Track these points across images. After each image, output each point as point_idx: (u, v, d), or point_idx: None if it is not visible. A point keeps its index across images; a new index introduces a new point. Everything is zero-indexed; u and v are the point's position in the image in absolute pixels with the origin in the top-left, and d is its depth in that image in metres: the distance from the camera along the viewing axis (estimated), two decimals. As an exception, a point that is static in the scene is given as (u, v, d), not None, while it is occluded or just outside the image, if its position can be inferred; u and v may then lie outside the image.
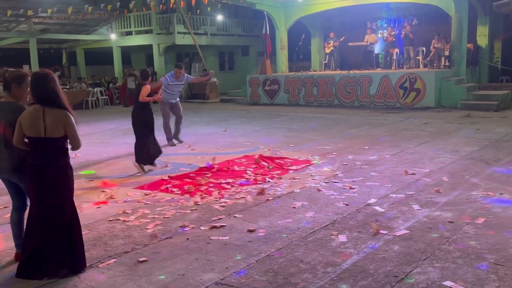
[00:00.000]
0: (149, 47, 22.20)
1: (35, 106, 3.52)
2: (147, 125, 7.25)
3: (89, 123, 13.55)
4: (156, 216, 4.95)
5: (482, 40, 17.24)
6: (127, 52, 24.29)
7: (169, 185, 6.24)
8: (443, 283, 3.28)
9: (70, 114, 3.55)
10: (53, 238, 3.53)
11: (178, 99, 9.79)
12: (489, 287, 3.21)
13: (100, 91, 19.35)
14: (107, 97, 19.73)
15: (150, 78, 7.61)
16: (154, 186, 6.27)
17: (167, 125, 9.54)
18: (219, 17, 22.78)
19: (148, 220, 4.83)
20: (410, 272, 3.47)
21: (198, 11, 21.37)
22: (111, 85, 20.77)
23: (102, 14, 19.75)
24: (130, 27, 22.49)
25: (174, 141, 9.57)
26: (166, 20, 21.42)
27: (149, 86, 7.35)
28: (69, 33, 21.52)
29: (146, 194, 5.87)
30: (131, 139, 10.31)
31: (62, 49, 24.66)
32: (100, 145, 9.78)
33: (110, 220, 4.86)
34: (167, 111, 9.55)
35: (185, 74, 9.73)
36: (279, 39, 19.54)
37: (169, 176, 6.70)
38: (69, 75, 23.93)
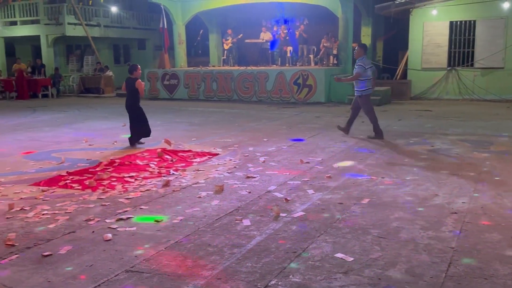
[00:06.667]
0: (36, 38, 20.84)
1: None
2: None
3: (-30, 119, 12.46)
4: (57, 212, 4.83)
5: (366, 40, 18.74)
6: (10, 43, 22.53)
7: (67, 181, 6.08)
8: (335, 255, 3.70)
9: None
10: None
11: None
12: (374, 256, 3.69)
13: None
14: (-11, 91, 18.18)
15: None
16: (52, 182, 6.06)
17: None
18: (113, 9, 22.08)
19: (49, 216, 4.70)
20: (307, 247, 3.85)
21: (90, 1, 20.52)
22: (-7, 78, 19.14)
23: (-19, 0, 18.11)
24: (14, 17, 20.90)
25: None
26: (55, 10, 20.28)
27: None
28: None
29: (43, 191, 5.66)
30: (21, 135, 9.79)
31: None
32: (-15, 142, 9.10)
33: (7, 218, 4.65)
34: None
35: None
36: (177, 34, 19.46)
37: (67, 172, 6.50)
38: None
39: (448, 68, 15.79)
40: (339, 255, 3.69)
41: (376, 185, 5.65)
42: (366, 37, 18.71)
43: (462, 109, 13.20)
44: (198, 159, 7.26)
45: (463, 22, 15.51)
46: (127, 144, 8.47)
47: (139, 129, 8.43)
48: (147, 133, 8.51)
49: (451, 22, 15.65)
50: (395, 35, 18.86)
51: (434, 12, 15.64)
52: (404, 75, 16.97)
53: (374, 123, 8.69)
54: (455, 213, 4.65)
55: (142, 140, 8.53)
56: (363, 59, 8.61)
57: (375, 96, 14.56)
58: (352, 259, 3.61)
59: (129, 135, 8.53)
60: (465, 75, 15.58)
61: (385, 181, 5.83)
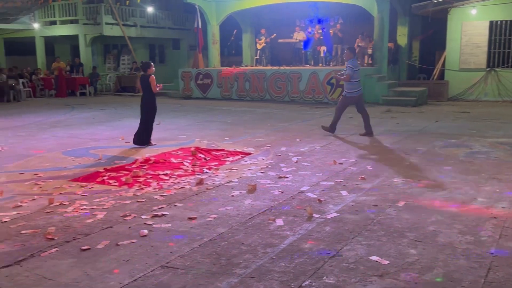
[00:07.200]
0: (75, 37, 21.42)
1: None
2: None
3: (12, 116, 12.93)
4: (95, 207, 4.95)
5: (402, 39, 18.42)
6: (50, 42, 23.23)
7: (105, 177, 6.22)
8: (369, 257, 3.65)
9: None
10: None
11: None
12: (410, 259, 3.62)
13: (23, 83, 18.39)
14: (30, 89, 18.81)
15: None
16: (90, 178, 6.22)
17: None
18: (149, 9, 22.44)
19: (87, 211, 4.83)
20: (341, 249, 3.82)
21: (127, 1, 20.93)
22: (33, 76, 19.78)
23: (24, 2, 18.75)
24: (54, 17, 21.56)
25: None
26: (93, 10, 20.78)
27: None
28: (-13, 21, 20.23)
29: (82, 186, 5.82)
30: (59, 132, 10.10)
31: (-21, 38, 23.08)
32: (26, 138, 9.42)
33: (47, 212, 4.81)
34: None
35: None
36: (211, 34, 19.63)
37: (104, 168, 6.66)
38: (-14, 65, 22.45)
39: (487, 69, 15.34)
40: (374, 257, 3.64)
41: (412, 188, 5.55)
42: (402, 36, 18.37)
43: (501, 111, 12.79)
44: (231, 158, 7.30)
45: (503, 22, 15.03)
46: (161, 142, 8.61)
47: (143, 134, 8.34)
48: (146, 141, 8.36)
49: (491, 22, 15.19)
50: (432, 35, 18.45)
51: (473, 11, 15.22)
52: (441, 75, 16.59)
53: (335, 120, 9.24)
54: (495, 218, 4.51)
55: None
56: (353, 61, 8.98)
57: (411, 97, 14.36)
58: (387, 262, 3.56)
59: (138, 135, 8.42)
60: (505, 76, 15.09)
61: (421, 184, 5.72)
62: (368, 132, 9.10)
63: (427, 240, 4.00)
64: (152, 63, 8.55)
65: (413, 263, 3.54)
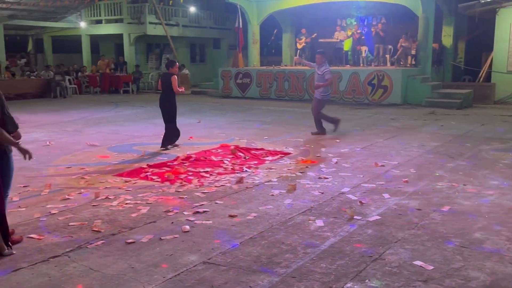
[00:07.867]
0: (119, 36, 21.95)
1: None
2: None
3: (59, 112, 13.39)
4: (138, 202, 5.07)
5: (447, 40, 17.91)
6: (95, 41, 23.92)
7: (148, 173, 6.36)
8: (413, 262, 3.58)
9: None
10: None
11: None
12: (455, 266, 3.52)
13: (69, 80, 19.04)
14: (75, 86, 19.45)
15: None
16: (134, 173, 6.37)
17: None
18: (192, 9, 22.73)
19: (131, 206, 4.95)
20: (383, 253, 3.76)
21: (171, 1, 21.26)
22: (79, 74, 20.45)
23: (72, 1, 19.39)
24: (100, 16, 22.18)
25: None
26: (137, 10, 21.24)
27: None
28: (37, 19, 21.02)
29: (126, 181, 5.97)
30: (104, 128, 10.39)
31: (29, 36, 24.02)
32: (73, 133, 9.74)
33: (94, 205, 4.96)
34: None
35: None
36: (251, 33, 19.69)
37: (147, 165, 6.81)
38: (35, 62, 23.36)
39: (538, 71, 14.70)
40: (418, 262, 3.57)
41: (458, 193, 5.40)
42: (447, 37, 17.87)
43: (553, 115, 12.24)
44: (270, 158, 7.31)
45: (557, 21, 14.37)
46: (202, 139, 8.71)
47: (170, 132, 8.09)
48: (176, 136, 8.20)
49: (542, 22, 14.56)
50: (479, 35, 17.85)
51: (524, 11, 14.63)
52: (488, 78, 16.03)
53: (329, 119, 9.49)
54: (546, 226, 4.33)
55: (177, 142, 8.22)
56: (327, 65, 9.24)
57: (456, 99, 13.97)
58: (432, 267, 3.48)
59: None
60: (558, 78, 14.42)
61: (467, 189, 5.55)
62: (321, 131, 9.43)
63: (473, 246, 3.88)
64: (176, 63, 8.28)
65: (458, 270, 3.45)
